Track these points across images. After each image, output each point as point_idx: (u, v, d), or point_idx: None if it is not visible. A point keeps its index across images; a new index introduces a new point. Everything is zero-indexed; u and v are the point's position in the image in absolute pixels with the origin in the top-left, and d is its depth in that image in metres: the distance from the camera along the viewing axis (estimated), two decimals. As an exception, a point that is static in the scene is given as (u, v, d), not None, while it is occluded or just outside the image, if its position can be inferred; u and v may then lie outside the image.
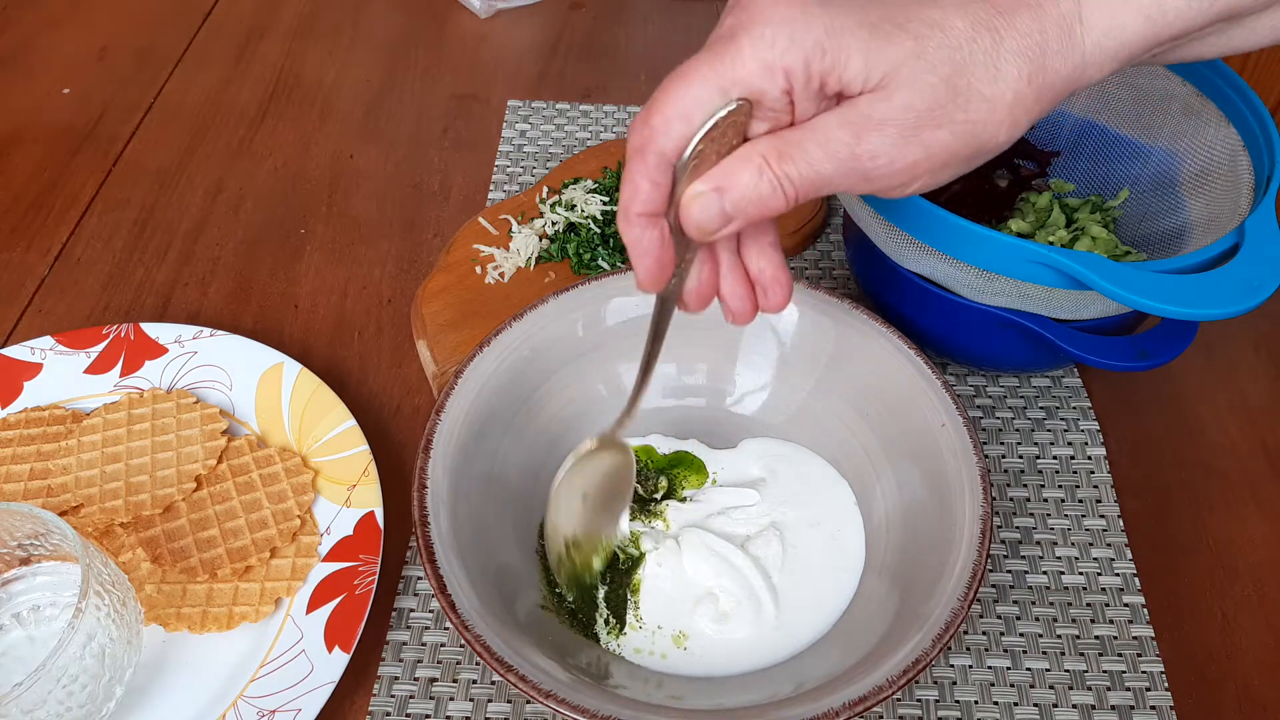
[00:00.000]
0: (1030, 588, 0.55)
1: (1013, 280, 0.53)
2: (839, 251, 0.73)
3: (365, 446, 0.58)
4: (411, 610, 0.54)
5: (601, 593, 0.53)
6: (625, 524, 0.53)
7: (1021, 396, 0.64)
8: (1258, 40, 0.42)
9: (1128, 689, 0.51)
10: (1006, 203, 0.65)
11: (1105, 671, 0.52)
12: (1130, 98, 0.64)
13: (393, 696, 0.51)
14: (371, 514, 0.55)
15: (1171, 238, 0.61)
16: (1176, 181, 0.61)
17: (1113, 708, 0.51)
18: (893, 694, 0.43)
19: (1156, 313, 0.48)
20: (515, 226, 0.72)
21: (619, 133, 0.82)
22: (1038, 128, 0.67)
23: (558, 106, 0.85)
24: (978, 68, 0.37)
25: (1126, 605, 0.54)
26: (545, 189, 0.75)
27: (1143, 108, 0.63)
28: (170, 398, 0.61)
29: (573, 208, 0.73)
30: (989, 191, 0.65)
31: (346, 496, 0.56)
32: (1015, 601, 0.55)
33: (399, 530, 0.57)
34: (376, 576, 0.53)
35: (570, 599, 0.52)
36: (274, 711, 0.48)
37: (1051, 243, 0.61)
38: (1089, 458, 0.61)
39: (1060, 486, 0.60)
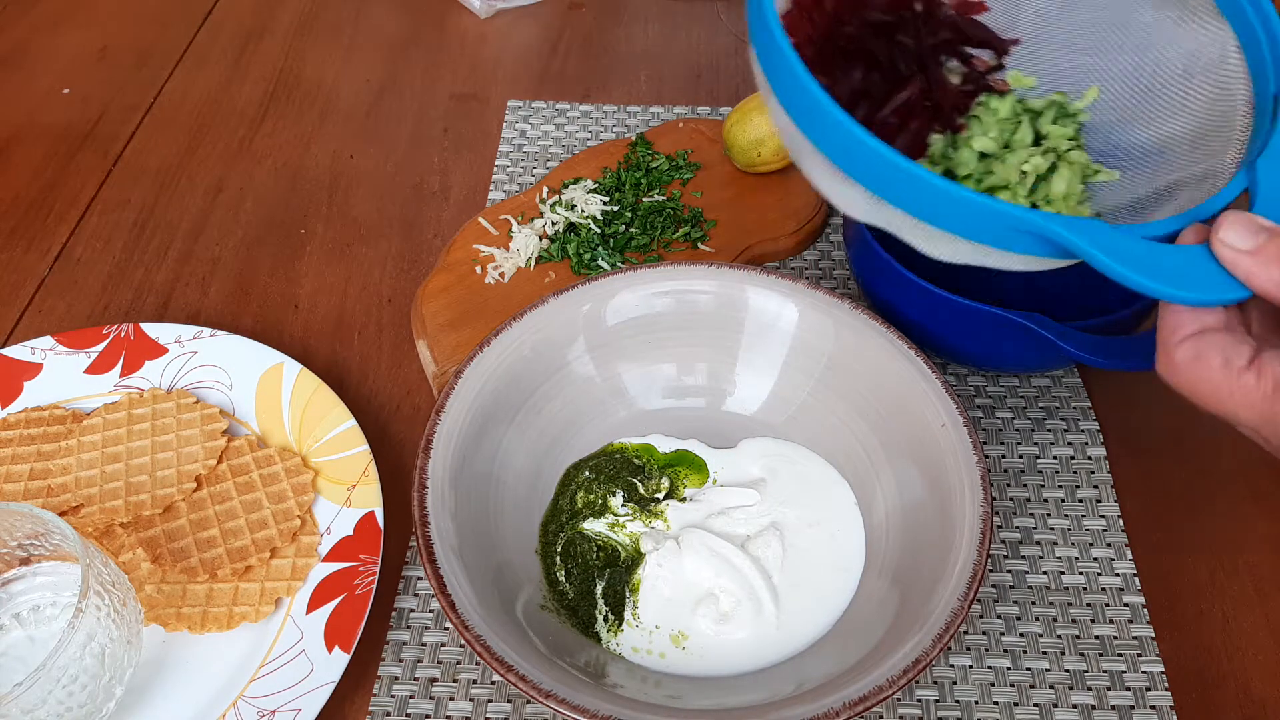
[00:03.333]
0: (1030, 588, 0.55)
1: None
2: (839, 251, 0.73)
3: (365, 446, 0.58)
4: (411, 610, 0.54)
5: (600, 588, 0.53)
6: None
7: (1021, 396, 0.64)
8: None
9: (1128, 689, 0.51)
10: (960, 106, 0.55)
11: (1105, 671, 0.52)
12: None
13: (393, 696, 0.51)
14: (371, 514, 0.55)
15: (1148, 153, 0.53)
16: (1154, 83, 0.53)
17: (1113, 708, 0.51)
18: (893, 694, 0.43)
19: (1189, 303, 0.39)
20: (515, 226, 0.72)
21: (619, 133, 0.82)
22: (996, 8, 0.57)
23: (558, 106, 0.85)
24: None
25: (1126, 605, 0.54)
26: (545, 189, 0.75)
27: None
28: (170, 398, 0.61)
29: (573, 208, 0.73)
30: (940, 92, 0.56)
31: (346, 496, 0.56)
32: (1015, 601, 0.55)
33: (399, 530, 0.57)
34: (376, 576, 0.53)
35: (569, 591, 0.52)
36: (274, 711, 0.48)
37: (1025, 171, 0.53)
38: (1089, 458, 0.61)
39: (1060, 486, 0.60)
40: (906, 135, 0.53)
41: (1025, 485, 0.60)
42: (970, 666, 0.52)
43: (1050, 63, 0.57)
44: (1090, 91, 0.55)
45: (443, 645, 0.53)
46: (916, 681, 0.51)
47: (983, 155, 0.53)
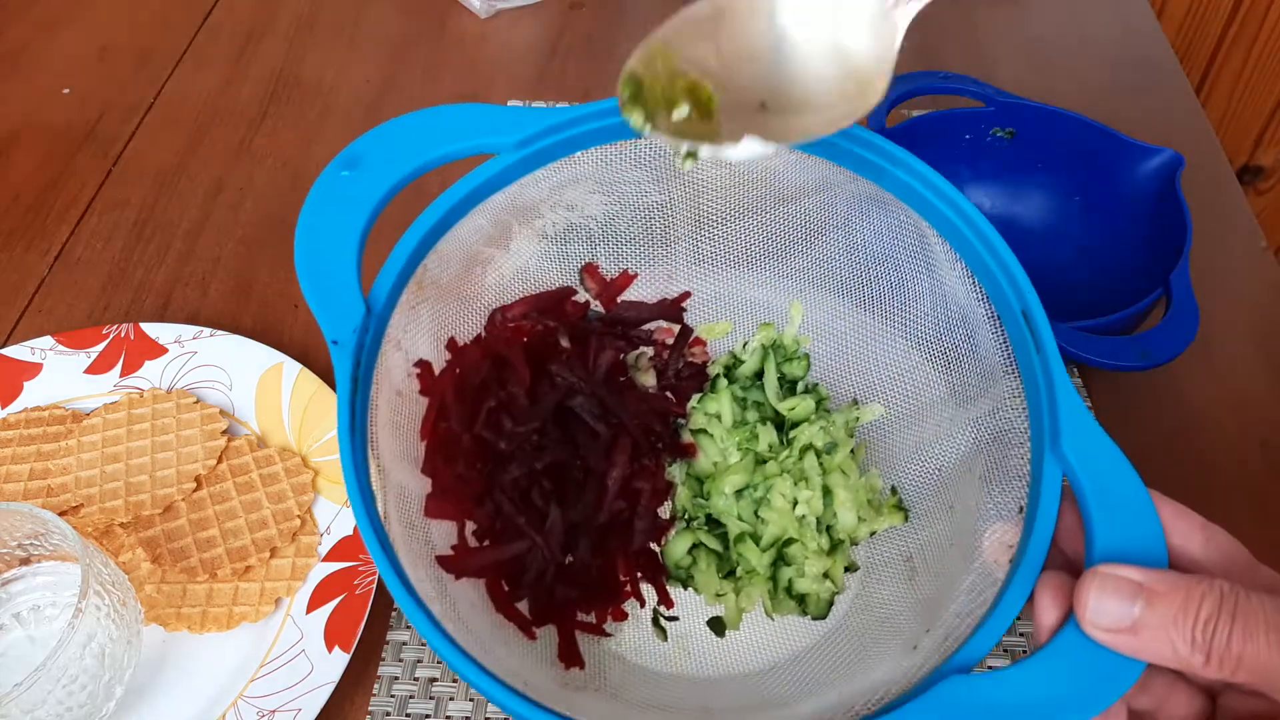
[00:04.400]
0: (1030, 588, 0.55)
1: None
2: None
3: (365, 446, 0.58)
4: (411, 610, 0.54)
5: None
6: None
7: (1021, 397, 0.64)
8: None
9: (1127, 689, 0.51)
10: (672, 412, 0.50)
11: (1105, 671, 0.52)
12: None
13: (393, 696, 0.51)
14: (371, 514, 0.55)
15: (901, 372, 0.48)
16: (861, 271, 0.47)
17: (1112, 708, 0.50)
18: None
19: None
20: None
21: (619, 133, 0.82)
22: (643, 271, 0.50)
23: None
24: None
25: (1126, 605, 0.54)
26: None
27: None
28: (170, 398, 0.61)
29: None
30: (643, 420, 0.49)
31: (346, 497, 0.56)
32: (1015, 601, 0.54)
33: (399, 530, 0.57)
34: (376, 576, 0.53)
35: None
36: (274, 711, 0.48)
37: (802, 517, 0.47)
38: (1088, 458, 0.61)
39: (1060, 487, 0.59)
40: (646, 519, 0.49)
41: (1025, 485, 0.60)
42: (970, 666, 0.52)
43: (734, 292, 0.51)
44: (795, 308, 0.50)
45: (443, 645, 0.53)
46: (916, 682, 0.51)
47: (739, 492, 0.49)
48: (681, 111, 0.36)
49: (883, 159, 0.43)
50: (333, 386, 0.62)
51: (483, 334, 0.50)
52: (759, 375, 0.52)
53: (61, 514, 0.55)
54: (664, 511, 0.51)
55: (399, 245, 0.42)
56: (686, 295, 0.51)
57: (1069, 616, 0.33)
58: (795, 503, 0.48)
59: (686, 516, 0.51)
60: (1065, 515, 0.36)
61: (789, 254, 0.49)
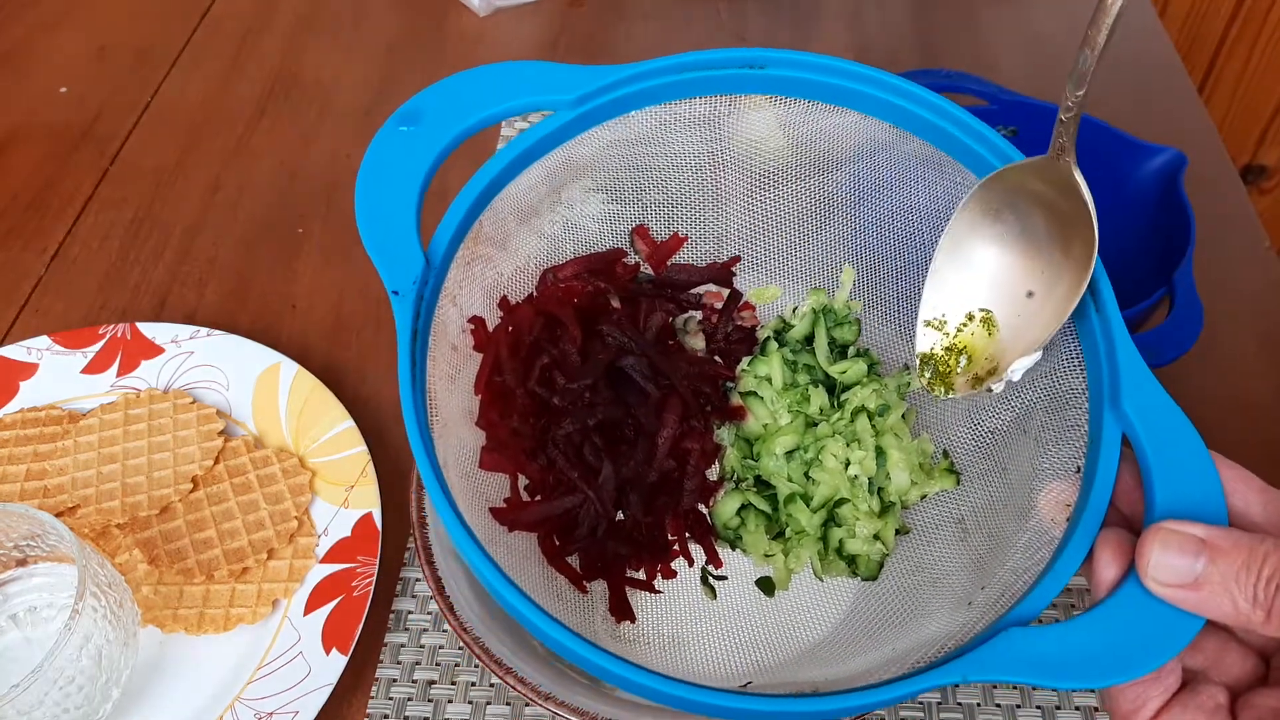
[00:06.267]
0: (1032, 589, 0.55)
1: None
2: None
3: (363, 447, 0.58)
4: (410, 612, 0.54)
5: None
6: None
7: (1023, 397, 0.64)
8: None
9: (1130, 691, 0.51)
10: (721, 376, 0.50)
11: (1108, 673, 0.51)
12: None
13: (391, 699, 0.51)
14: (369, 515, 0.55)
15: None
16: (909, 231, 0.47)
17: (1115, 710, 0.50)
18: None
19: (1146, 673, 0.33)
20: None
21: (618, 132, 0.82)
22: (693, 233, 0.49)
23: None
24: None
25: (1129, 606, 0.54)
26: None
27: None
28: (167, 398, 0.60)
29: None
30: (693, 380, 0.48)
31: (344, 497, 0.56)
32: (1017, 603, 0.54)
33: (397, 531, 0.57)
34: (374, 578, 0.52)
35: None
36: (271, 714, 0.48)
37: (854, 477, 0.47)
38: (1091, 458, 0.60)
39: (1062, 487, 0.59)
40: (694, 479, 0.48)
41: (1027, 486, 0.59)
42: (972, 668, 0.52)
43: (784, 258, 0.50)
44: (846, 273, 0.50)
45: (441, 647, 0.53)
46: (918, 683, 0.51)
47: (789, 453, 0.49)
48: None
49: (940, 118, 0.43)
50: (330, 386, 0.61)
51: (534, 294, 0.50)
52: (809, 340, 0.51)
53: (58, 515, 0.55)
54: (712, 474, 0.51)
55: (456, 200, 0.43)
56: (736, 260, 0.51)
57: (1128, 573, 0.33)
58: (847, 464, 0.48)
59: (735, 478, 0.51)
60: (1123, 475, 0.36)
61: (841, 218, 0.49)
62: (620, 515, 0.48)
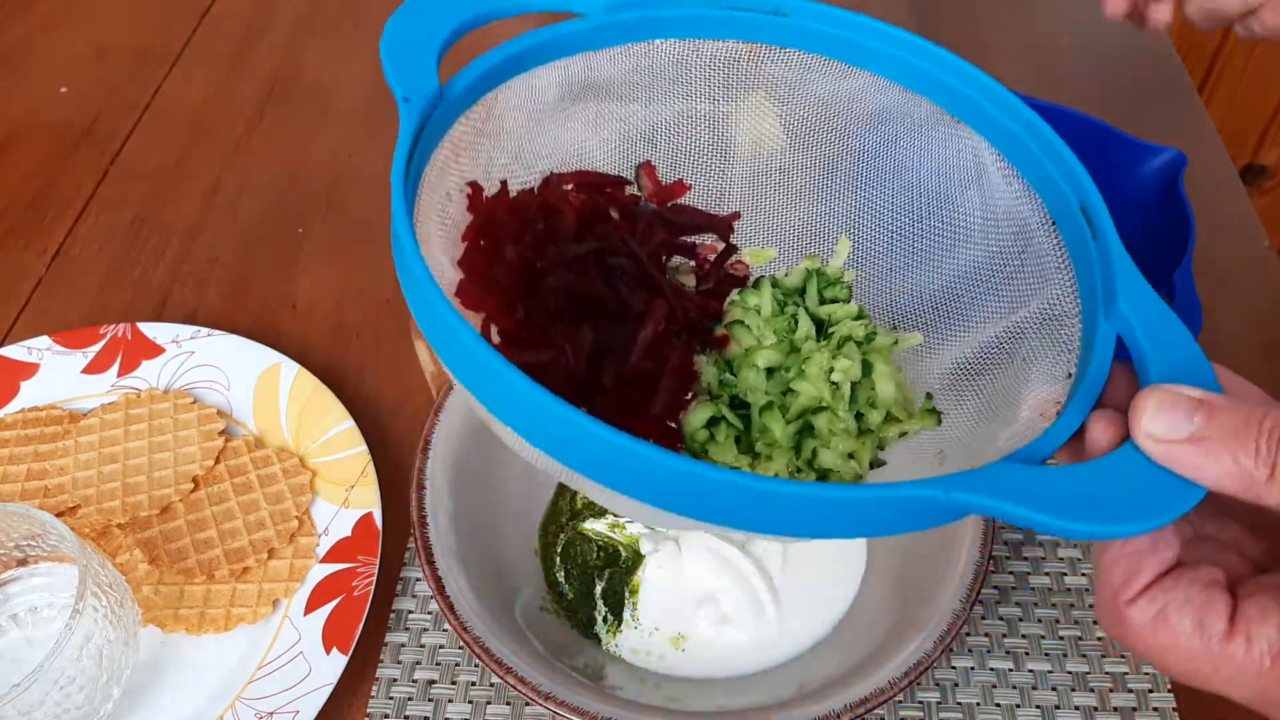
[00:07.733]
0: (1033, 589, 0.55)
1: None
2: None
3: (363, 447, 0.58)
4: (410, 612, 0.54)
5: (599, 589, 0.52)
6: None
7: (1023, 396, 0.64)
8: None
9: (1130, 690, 0.51)
10: (708, 311, 0.48)
11: (1107, 673, 0.52)
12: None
13: (391, 698, 0.51)
14: (370, 515, 0.55)
15: (942, 301, 0.46)
16: (910, 213, 0.46)
17: (1115, 709, 0.50)
18: (894, 696, 0.43)
19: (1137, 533, 0.31)
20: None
21: (619, 132, 0.82)
22: (697, 183, 0.49)
23: None
24: None
25: (1129, 606, 0.54)
26: (545, 188, 0.75)
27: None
28: (168, 398, 0.60)
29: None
30: (683, 306, 0.47)
31: (345, 497, 0.56)
32: (1017, 603, 0.54)
33: (397, 531, 0.57)
34: (375, 578, 0.52)
35: (569, 592, 0.51)
36: (272, 713, 0.48)
37: (836, 382, 0.46)
38: (1091, 458, 0.60)
39: (1062, 487, 0.59)
40: (672, 379, 0.46)
41: (1027, 486, 0.59)
42: (972, 668, 0.52)
43: (780, 222, 0.49)
44: (842, 245, 0.49)
45: (441, 647, 0.53)
46: (918, 683, 0.51)
47: (769, 371, 0.47)
48: None
49: (939, 67, 0.43)
50: (331, 386, 0.61)
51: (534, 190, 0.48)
52: (801, 292, 0.50)
53: (59, 515, 0.55)
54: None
55: (480, 58, 0.43)
56: (736, 216, 0.50)
57: (1124, 441, 0.31)
58: (831, 372, 0.46)
59: (710, 393, 0.48)
60: (1116, 378, 0.35)
61: (844, 191, 0.48)
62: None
